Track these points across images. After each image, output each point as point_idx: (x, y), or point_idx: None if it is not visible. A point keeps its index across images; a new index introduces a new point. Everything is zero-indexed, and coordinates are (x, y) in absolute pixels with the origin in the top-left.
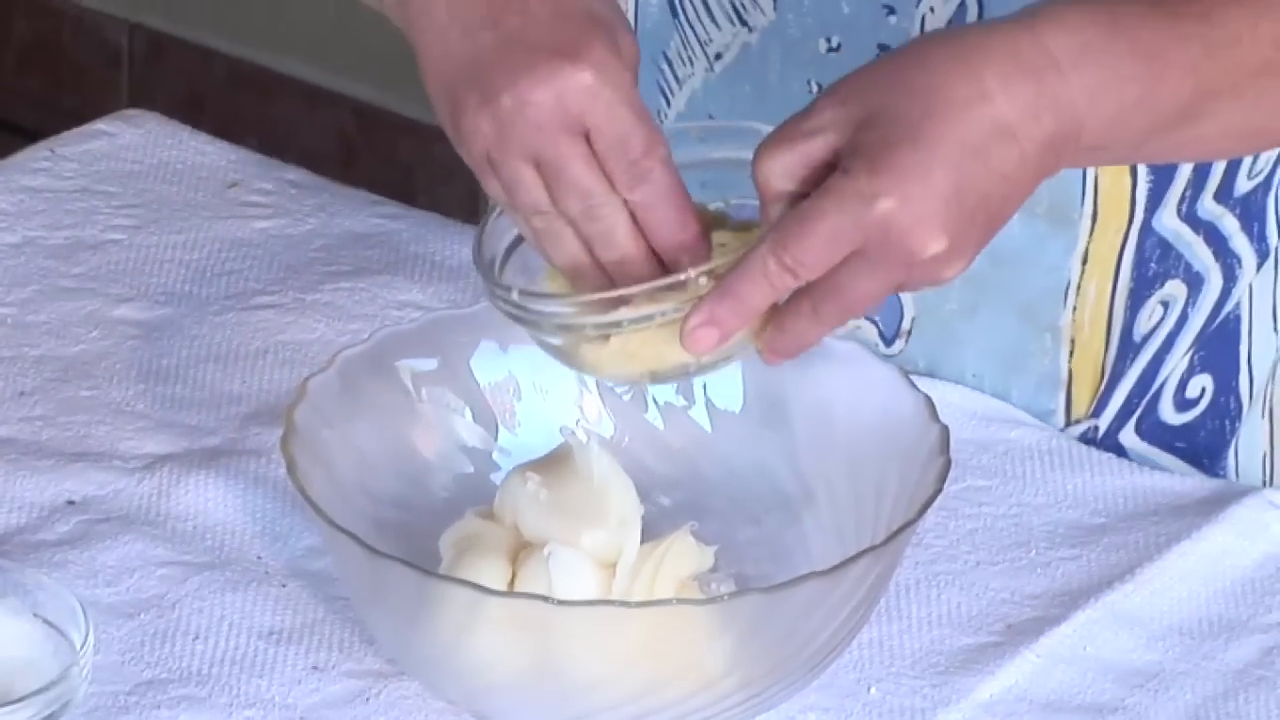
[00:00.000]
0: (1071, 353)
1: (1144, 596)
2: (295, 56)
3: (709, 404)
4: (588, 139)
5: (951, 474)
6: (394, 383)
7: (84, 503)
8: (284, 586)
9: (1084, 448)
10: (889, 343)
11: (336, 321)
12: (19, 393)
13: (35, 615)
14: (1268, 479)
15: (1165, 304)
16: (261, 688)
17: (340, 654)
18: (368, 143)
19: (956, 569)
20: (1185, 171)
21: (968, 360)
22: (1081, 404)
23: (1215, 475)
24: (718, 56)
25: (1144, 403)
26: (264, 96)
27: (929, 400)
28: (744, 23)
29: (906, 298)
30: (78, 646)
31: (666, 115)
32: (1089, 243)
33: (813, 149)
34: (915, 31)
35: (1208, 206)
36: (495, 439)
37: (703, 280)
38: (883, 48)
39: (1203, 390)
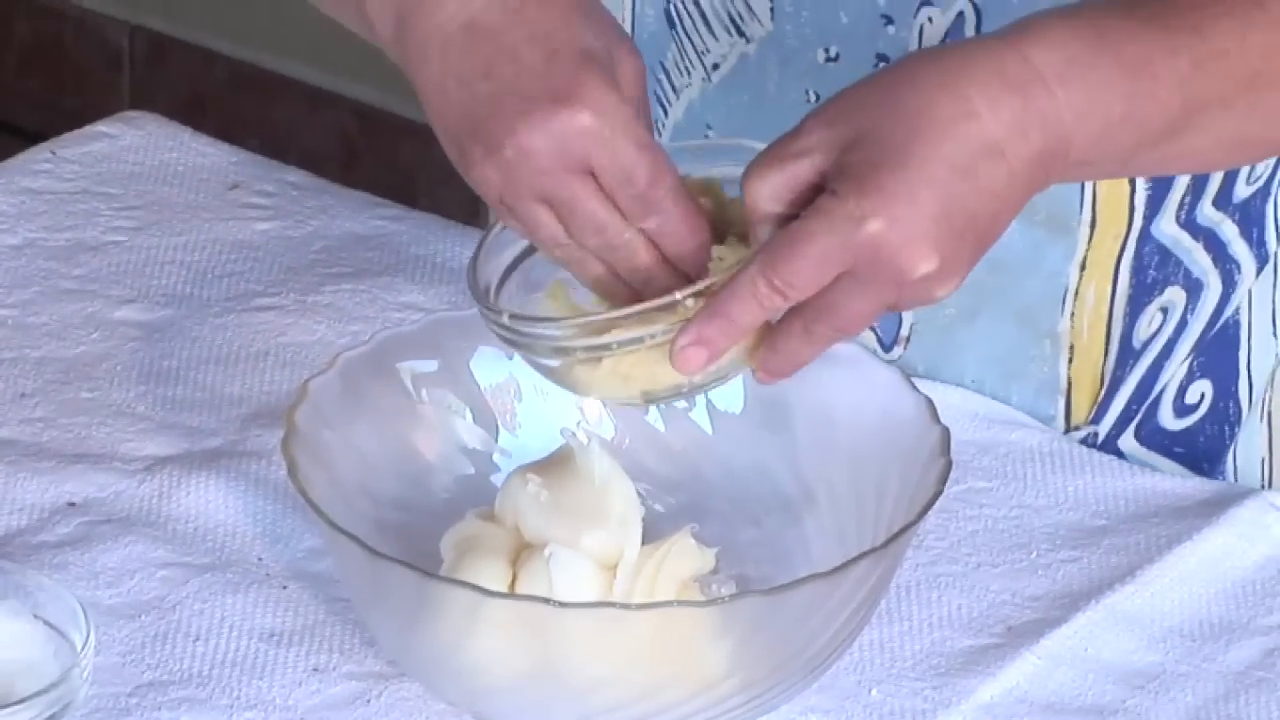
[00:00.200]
0: (1071, 359)
1: (1145, 598)
2: (296, 58)
3: (710, 406)
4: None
5: (952, 476)
6: (395, 384)
7: (85, 504)
8: (285, 588)
9: (1085, 450)
10: (888, 349)
11: (337, 323)
12: (20, 394)
13: (36, 617)
14: (1267, 483)
15: (1165, 310)
16: (262, 689)
17: (341, 656)
18: (369, 144)
19: (957, 571)
20: (1184, 178)
21: (967, 366)
22: (1081, 410)
23: (1214, 480)
24: (715, 67)
25: (1143, 409)
26: (265, 98)
27: (930, 402)
28: (741, 33)
29: None
30: (78, 648)
31: (664, 125)
32: (1088, 250)
33: (799, 171)
34: (913, 41)
35: (1207, 213)
36: (496, 440)
37: (690, 302)
38: (881, 57)
39: (1202, 396)
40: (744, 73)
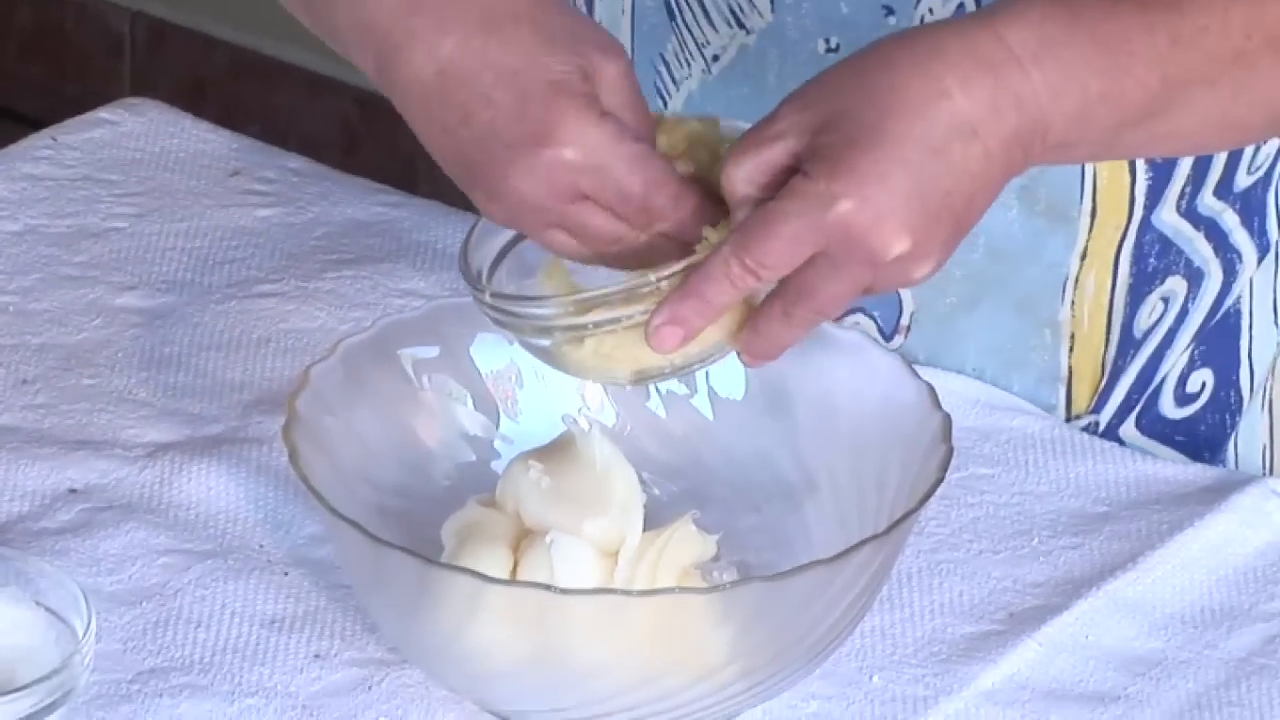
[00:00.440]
0: (1071, 348)
1: (1146, 585)
2: (297, 44)
3: (711, 392)
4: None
5: (953, 462)
6: (396, 371)
7: (86, 491)
8: (286, 575)
9: (1086, 436)
10: (888, 338)
11: (338, 309)
12: (21, 381)
13: (37, 603)
14: (1268, 471)
15: (1165, 300)
16: (263, 676)
17: (342, 642)
18: (370, 131)
19: (959, 557)
20: (1185, 167)
21: (967, 356)
22: (1082, 399)
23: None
24: (715, 58)
25: (1144, 398)
26: (266, 84)
27: (931, 389)
28: (741, 25)
29: (905, 292)
30: (80, 635)
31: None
32: (1089, 239)
33: (773, 154)
34: None
35: (1208, 202)
36: (497, 427)
37: (664, 285)
38: None
39: (1203, 385)
40: (744, 64)
